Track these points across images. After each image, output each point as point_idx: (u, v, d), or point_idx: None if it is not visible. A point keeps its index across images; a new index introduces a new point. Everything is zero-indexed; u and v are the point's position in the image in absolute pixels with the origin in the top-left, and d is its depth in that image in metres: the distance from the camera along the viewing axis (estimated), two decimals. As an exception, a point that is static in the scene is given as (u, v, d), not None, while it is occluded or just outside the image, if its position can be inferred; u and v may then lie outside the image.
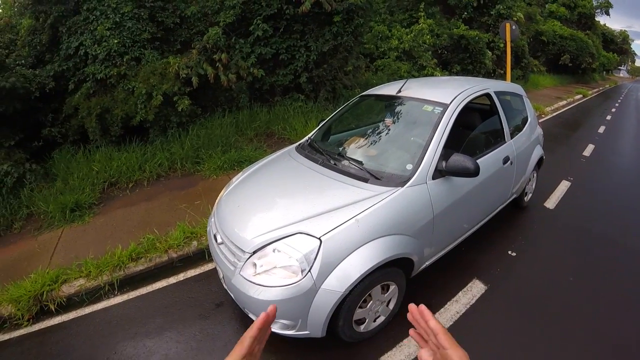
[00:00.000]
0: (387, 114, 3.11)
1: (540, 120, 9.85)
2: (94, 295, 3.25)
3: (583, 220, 4.20)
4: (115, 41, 5.38)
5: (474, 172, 2.33)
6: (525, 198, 4.22)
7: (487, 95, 3.28)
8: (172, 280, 3.36)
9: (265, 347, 2.52)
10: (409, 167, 2.43)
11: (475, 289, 2.97)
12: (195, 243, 3.67)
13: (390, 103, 3.23)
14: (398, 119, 2.98)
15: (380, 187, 2.31)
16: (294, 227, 2.08)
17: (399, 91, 3.13)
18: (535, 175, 4.27)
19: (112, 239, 3.90)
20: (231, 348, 2.38)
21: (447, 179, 2.51)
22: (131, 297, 3.22)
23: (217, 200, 2.92)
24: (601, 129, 9.69)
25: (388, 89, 3.35)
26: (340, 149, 3.01)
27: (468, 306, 2.79)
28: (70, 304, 3.19)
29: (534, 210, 4.37)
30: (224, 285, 2.50)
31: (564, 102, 13.55)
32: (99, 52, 5.39)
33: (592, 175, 5.86)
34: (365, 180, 2.39)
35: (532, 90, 14.43)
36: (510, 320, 2.68)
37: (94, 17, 5.47)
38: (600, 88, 21.63)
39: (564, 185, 5.11)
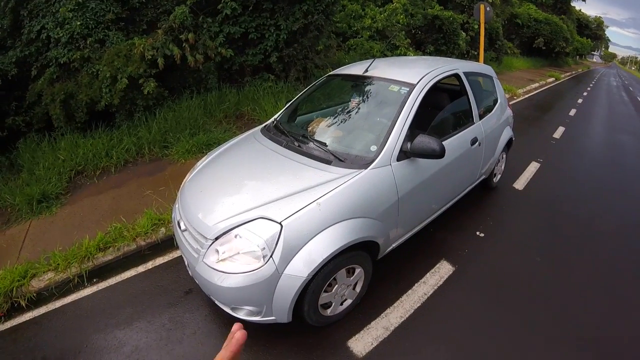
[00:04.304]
0: (354, 94, 3.06)
1: (512, 102, 10.11)
2: (63, 288, 3.20)
3: (551, 201, 4.31)
4: (78, 23, 5.14)
5: (440, 153, 2.33)
6: (494, 179, 4.29)
7: (456, 75, 3.26)
8: (141, 269, 3.33)
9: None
10: (373, 148, 2.40)
11: (442, 270, 3.01)
12: (163, 230, 3.63)
13: (357, 83, 3.17)
14: (364, 99, 2.93)
15: (343, 169, 2.27)
16: (255, 211, 2.04)
17: (366, 71, 3.07)
18: (504, 156, 4.34)
19: (80, 229, 3.81)
20: (200, 335, 2.33)
21: (412, 161, 2.49)
22: (100, 288, 3.19)
23: (181, 186, 2.86)
24: (572, 112, 9.93)
25: (355, 69, 3.27)
26: (305, 130, 2.95)
27: (436, 287, 2.82)
28: (40, 298, 3.14)
29: (503, 191, 4.46)
30: (189, 272, 2.46)
31: (537, 84, 13.81)
32: (61, 35, 5.15)
33: (561, 157, 6.01)
34: (329, 163, 2.35)
35: (506, 72, 14.62)
36: (478, 301, 2.73)
37: (56, -2, 5.19)
38: (573, 72, 22.19)
39: (533, 167, 5.22)
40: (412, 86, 2.69)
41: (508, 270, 3.08)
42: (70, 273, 3.23)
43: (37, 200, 4.25)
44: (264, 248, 1.93)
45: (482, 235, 3.52)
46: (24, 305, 3.03)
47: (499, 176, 4.41)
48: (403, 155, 2.43)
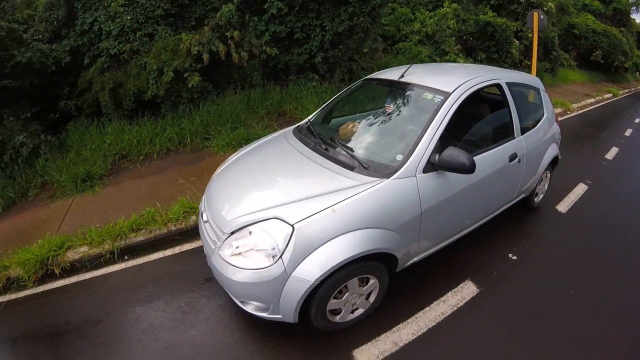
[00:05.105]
0: (387, 99, 2.95)
1: (565, 117, 9.43)
2: (95, 262, 3.42)
3: (596, 229, 3.92)
4: (129, 17, 5.44)
5: (469, 168, 2.19)
6: (536, 199, 3.99)
7: (498, 85, 3.06)
8: (169, 252, 3.47)
9: (239, 328, 2.47)
10: (399, 157, 2.31)
11: (466, 291, 2.83)
12: (194, 218, 3.76)
13: (391, 88, 3.07)
14: (397, 105, 2.82)
15: (365, 176, 2.21)
16: (271, 211, 2.05)
17: (402, 76, 2.96)
18: (548, 175, 4.03)
19: (117, 209, 4.03)
20: (212, 322, 2.40)
21: (440, 174, 2.36)
22: (129, 265, 3.37)
23: (210, 179, 2.93)
24: (628, 132, 9.07)
25: (391, 74, 3.17)
26: (335, 133, 2.91)
27: (455, 308, 2.66)
28: (73, 269, 3.38)
29: (544, 212, 4.13)
30: (207, 262, 2.53)
31: (592, 99, 12.75)
32: (112, 28, 5.47)
33: (612, 180, 5.49)
34: (352, 169, 2.29)
35: (560, 85, 13.64)
36: (498, 329, 2.53)
37: (108, -8, 5.51)
38: (632, 89, 20.17)
39: (580, 189, 4.81)
40: (446, 95, 2.55)
41: (537, 300, 2.81)
42: (103, 249, 3.45)
43: (81, 179, 4.56)
44: (274, 248, 1.94)
45: (514, 258, 3.28)
46: (57, 273, 3.28)
47: (541, 196, 4.11)
48: (430, 167, 2.31)
